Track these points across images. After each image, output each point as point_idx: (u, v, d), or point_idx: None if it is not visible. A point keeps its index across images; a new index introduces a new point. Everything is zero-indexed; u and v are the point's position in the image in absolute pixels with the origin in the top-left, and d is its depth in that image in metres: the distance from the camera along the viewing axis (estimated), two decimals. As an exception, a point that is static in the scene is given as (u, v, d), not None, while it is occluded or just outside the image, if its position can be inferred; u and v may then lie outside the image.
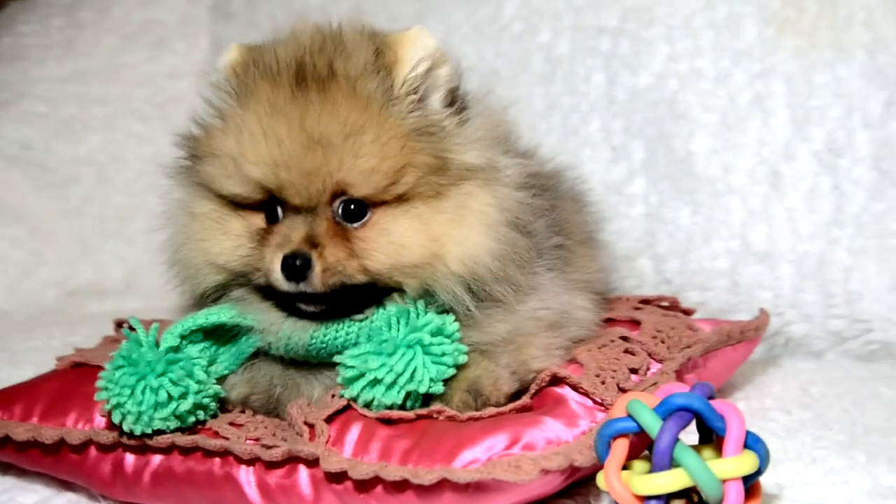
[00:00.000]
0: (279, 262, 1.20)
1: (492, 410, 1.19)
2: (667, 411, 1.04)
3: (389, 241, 1.21)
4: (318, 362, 1.29)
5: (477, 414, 1.18)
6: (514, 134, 1.42)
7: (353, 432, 1.17)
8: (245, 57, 1.29)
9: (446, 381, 1.21)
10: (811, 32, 1.91)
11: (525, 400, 1.23)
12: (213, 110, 1.29)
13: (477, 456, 1.08)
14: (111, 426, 1.27)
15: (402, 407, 1.20)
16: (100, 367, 1.40)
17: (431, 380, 1.19)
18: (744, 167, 1.96)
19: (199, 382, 1.23)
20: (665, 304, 1.73)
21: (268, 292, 1.27)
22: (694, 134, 2.02)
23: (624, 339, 1.44)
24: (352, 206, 1.22)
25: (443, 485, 1.06)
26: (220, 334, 1.32)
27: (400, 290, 1.24)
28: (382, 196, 1.21)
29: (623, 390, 1.29)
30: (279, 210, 1.24)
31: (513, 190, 1.27)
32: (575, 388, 1.26)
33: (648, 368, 1.38)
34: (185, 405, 1.22)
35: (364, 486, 1.12)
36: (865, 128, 1.83)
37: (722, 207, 1.97)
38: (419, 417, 1.19)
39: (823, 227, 1.86)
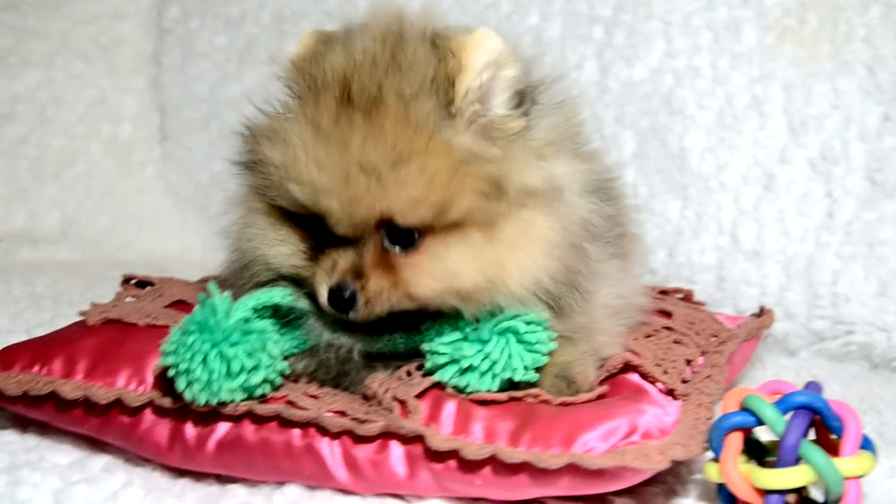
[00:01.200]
0: (326, 292, 1.17)
1: (583, 396, 1.20)
2: (788, 408, 1.08)
3: (441, 268, 1.15)
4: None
5: (570, 399, 1.19)
6: (584, 129, 1.38)
7: (448, 411, 1.16)
8: (309, 53, 1.22)
9: (537, 369, 1.21)
10: (812, 44, 1.99)
11: (604, 387, 1.24)
12: (264, 113, 1.23)
13: (594, 441, 1.09)
14: (168, 390, 1.21)
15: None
16: (135, 326, 1.35)
17: (525, 367, 1.19)
18: (738, 167, 2.02)
19: (271, 357, 1.19)
20: (680, 295, 1.77)
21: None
22: (689, 130, 2.07)
23: (668, 329, 1.48)
24: (400, 232, 1.15)
25: (563, 469, 1.06)
26: (286, 313, 1.26)
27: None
28: (433, 224, 1.14)
29: (684, 381, 1.32)
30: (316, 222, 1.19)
31: (579, 198, 1.22)
32: (645, 376, 1.28)
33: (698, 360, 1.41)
34: (256, 378, 1.17)
35: (471, 466, 1.11)
36: (861, 140, 1.91)
37: (713, 204, 2.03)
38: (511, 399, 1.18)
39: (814, 231, 1.94)
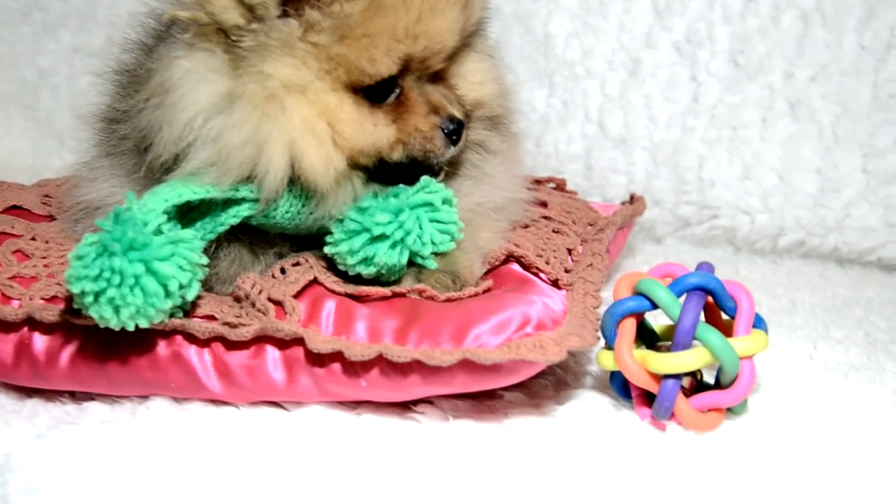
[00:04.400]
0: (441, 134, 1.16)
1: (469, 290, 1.14)
2: (682, 291, 1.04)
3: (473, 83, 1.25)
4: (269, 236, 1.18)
5: (455, 295, 1.12)
6: None
7: (328, 310, 1.08)
8: None
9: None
10: (674, -78, 1.94)
11: (489, 282, 1.19)
12: None
13: (486, 335, 1.03)
14: (5, 298, 1.10)
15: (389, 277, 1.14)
16: (-38, 237, 1.20)
17: (434, 244, 1.13)
18: (603, 52, 1.97)
19: (202, 269, 1.06)
20: (552, 185, 1.73)
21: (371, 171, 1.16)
22: (553, 15, 2.01)
23: (547, 218, 1.43)
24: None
25: (456, 366, 1.00)
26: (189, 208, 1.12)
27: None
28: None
29: (567, 271, 1.27)
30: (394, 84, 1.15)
31: None
32: (527, 267, 1.23)
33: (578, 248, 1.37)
34: (191, 294, 1.04)
35: (356, 368, 1.04)
36: (725, 22, 1.90)
37: (580, 91, 1.99)
38: (395, 295, 1.11)
39: (679, 116, 1.93)
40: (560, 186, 1.73)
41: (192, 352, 1.08)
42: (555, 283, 1.21)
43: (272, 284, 1.10)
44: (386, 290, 1.11)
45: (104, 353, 1.08)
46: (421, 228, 1.12)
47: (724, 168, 1.89)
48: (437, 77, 1.20)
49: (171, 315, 1.05)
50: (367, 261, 1.11)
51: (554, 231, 1.39)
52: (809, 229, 1.84)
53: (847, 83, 1.82)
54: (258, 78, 1.07)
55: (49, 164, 2.44)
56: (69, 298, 1.05)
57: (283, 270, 1.15)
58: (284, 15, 1.07)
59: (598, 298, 1.19)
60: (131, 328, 1.00)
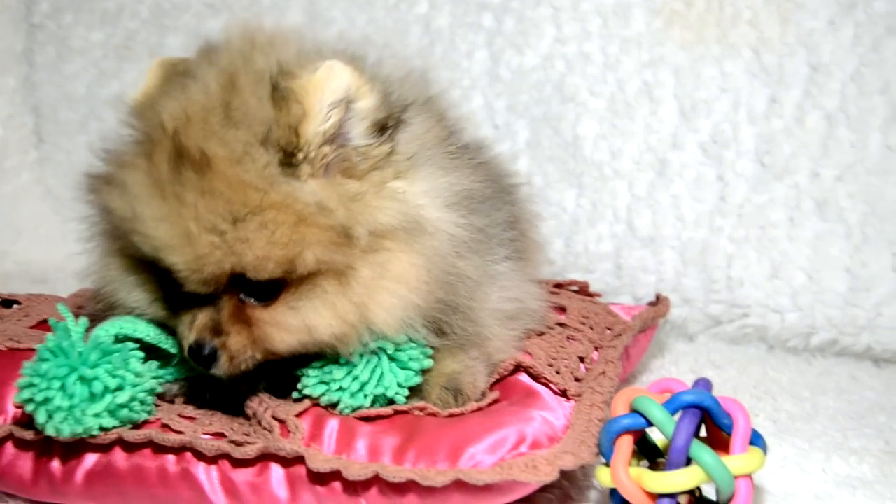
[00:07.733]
0: (186, 347, 1.11)
1: (472, 405, 1.16)
2: (677, 408, 1.05)
3: (297, 322, 1.08)
4: None
5: (458, 411, 1.14)
6: (458, 128, 1.32)
7: (331, 429, 1.11)
8: (150, 95, 1.13)
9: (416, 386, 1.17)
10: (699, 27, 1.97)
11: (496, 394, 1.20)
12: (107, 153, 1.16)
13: (481, 454, 1.04)
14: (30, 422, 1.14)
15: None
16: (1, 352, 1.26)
17: (399, 385, 1.15)
18: (631, 153, 2.00)
19: (136, 374, 1.12)
20: (575, 288, 1.75)
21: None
22: (581, 117, 2.05)
23: (562, 325, 1.44)
24: (256, 286, 1.08)
25: (452, 485, 1.02)
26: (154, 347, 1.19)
27: None
28: (285, 277, 1.07)
29: (577, 379, 1.28)
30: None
31: (443, 213, 1.14)
32: (536, 378, 1.25)
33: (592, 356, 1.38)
34: (122, 398, 1.09)
35: (355, 487, 1.06)
36: (750, 122, 1.91)
37: (608, 191, 2.01)
38: (397, 413, 1.14)
39: (707, 215, 1.94)
40: (582, 290, 1.74)
41: (200, 469, 1.10)
42: (563, 394, 1.23)
43: (278, 404, 1.13)
44: (388, 410, 1.14)
45: (117, 470, 1.11)
46: (381, 375, 1.14)
47: (753, 267, 1.89)
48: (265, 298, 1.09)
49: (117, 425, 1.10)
50: (332, 405, 1.14)
51: (568, 338, 1.40)
52: (841, 328, 1.82)
53: (874, 182, 1.82)
54: None
55: (103, 266, 2.53)
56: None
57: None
58: None
59: (603, 410, 1.19)
60: (66, 434, 1.06)
